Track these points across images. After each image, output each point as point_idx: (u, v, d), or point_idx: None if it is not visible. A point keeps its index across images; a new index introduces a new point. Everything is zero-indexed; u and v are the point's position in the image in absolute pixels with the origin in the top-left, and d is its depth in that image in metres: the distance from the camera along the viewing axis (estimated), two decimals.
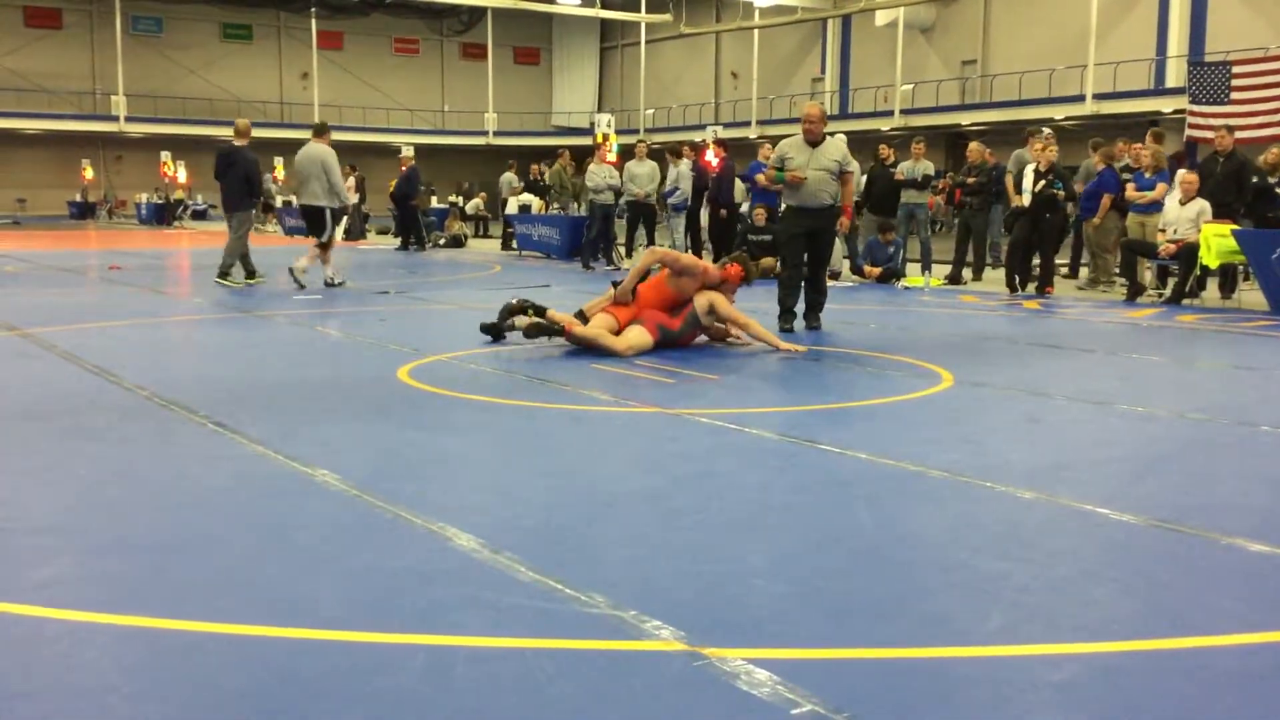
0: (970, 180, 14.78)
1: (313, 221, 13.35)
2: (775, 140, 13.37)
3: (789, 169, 9.38)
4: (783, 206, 10.26)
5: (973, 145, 15.02)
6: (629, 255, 18.33)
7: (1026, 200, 12.80)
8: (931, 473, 4.64)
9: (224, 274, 13.29)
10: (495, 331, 8.37)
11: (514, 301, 8.45)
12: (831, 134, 13.51)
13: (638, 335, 7.82)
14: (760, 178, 14.96)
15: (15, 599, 3.17)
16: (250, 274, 13.51)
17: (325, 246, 13.37)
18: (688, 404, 6.16)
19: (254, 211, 13.84)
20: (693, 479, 4.61)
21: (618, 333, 7.86)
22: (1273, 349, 8.99)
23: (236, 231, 13.37)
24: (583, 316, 8.06)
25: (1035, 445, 5.39)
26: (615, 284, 8.24)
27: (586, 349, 7.87)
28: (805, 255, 9.54)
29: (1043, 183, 12.67)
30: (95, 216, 42.90)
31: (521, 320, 8.16)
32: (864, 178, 15.39)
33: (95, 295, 12.67)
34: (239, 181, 13.32)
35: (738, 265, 8.45)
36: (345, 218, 26.13)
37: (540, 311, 8.23)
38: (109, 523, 3.95)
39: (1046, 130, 14.78)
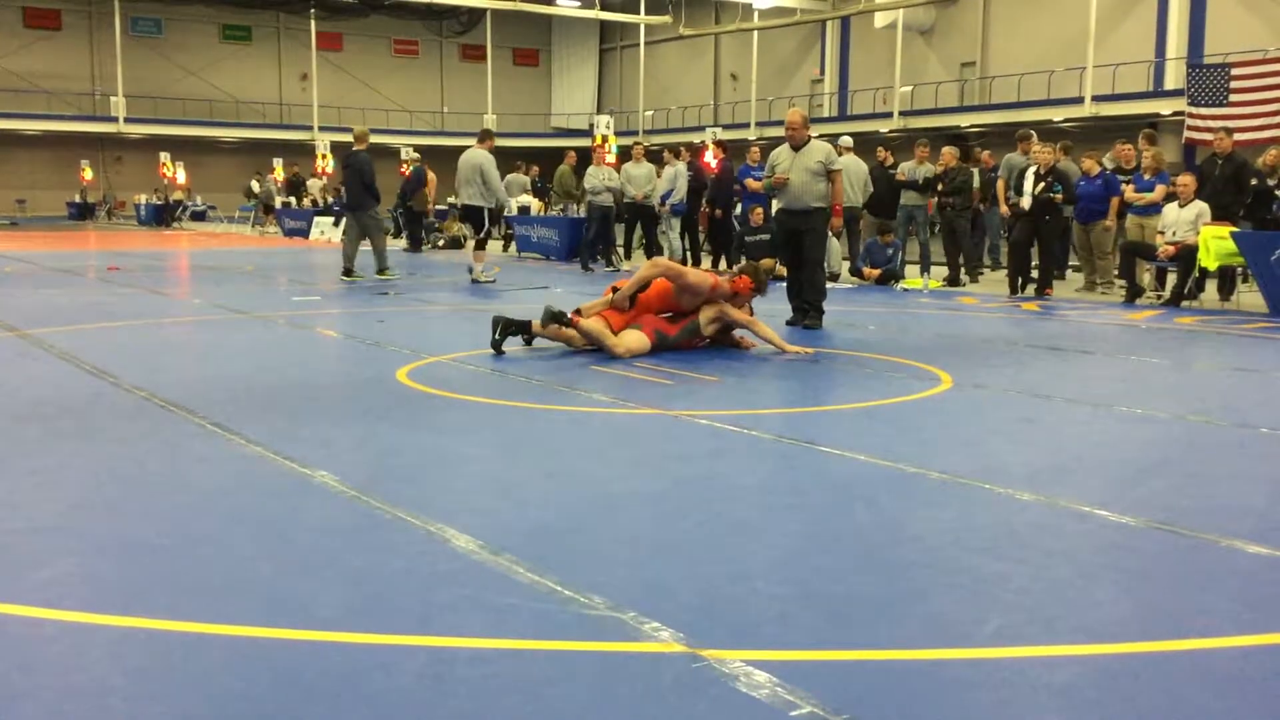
0: (944, 184, 14.73)
1: (473, 220, 14.50)
2: (772, 142, 13.42)
3: (776, 174, 9.74)
4: (774, 209, 10.46)
5: (946, 150, 15.00)
6: (627, 257, 18.34)
7: (1026, 203, 12.81)
8: (931, 474, 4.65)
9: (381, 269, 14.60)
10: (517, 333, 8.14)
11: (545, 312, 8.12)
12: (835, 136, 13.60)
13: (636, 339, 7.82)
14: (750, 183, 15.01)
15: (15, 599, 3.17)
16: (347, 272, 14.43)
17: (480, 244, 14.41)
18: (687, 405, 6.16)
19: (374, 211, 15.04)
20: (692, 480, 4.61)
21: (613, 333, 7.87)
22: (1271, 351, 8.99)
23: (371, 231, 14.73)
24: (564, 315, 8.01)
25: (1034, 447, 5.39)
26: (615, 288, 8.20)
27: (583, 347, 7.87)
28: (796, 255, 9.81)
29: (1042, 185, 12.69)
30: (94, 217, 42.90)
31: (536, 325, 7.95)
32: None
33: (94, 296, 12.66)
34: (357, 183, 14.53)
35: (746, 277, 8.36)
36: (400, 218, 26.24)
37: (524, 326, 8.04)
38: (108, 524, 3.95)
39: (1032, 135, 14.78)
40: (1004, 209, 13.86)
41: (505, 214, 21.35)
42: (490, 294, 13.04)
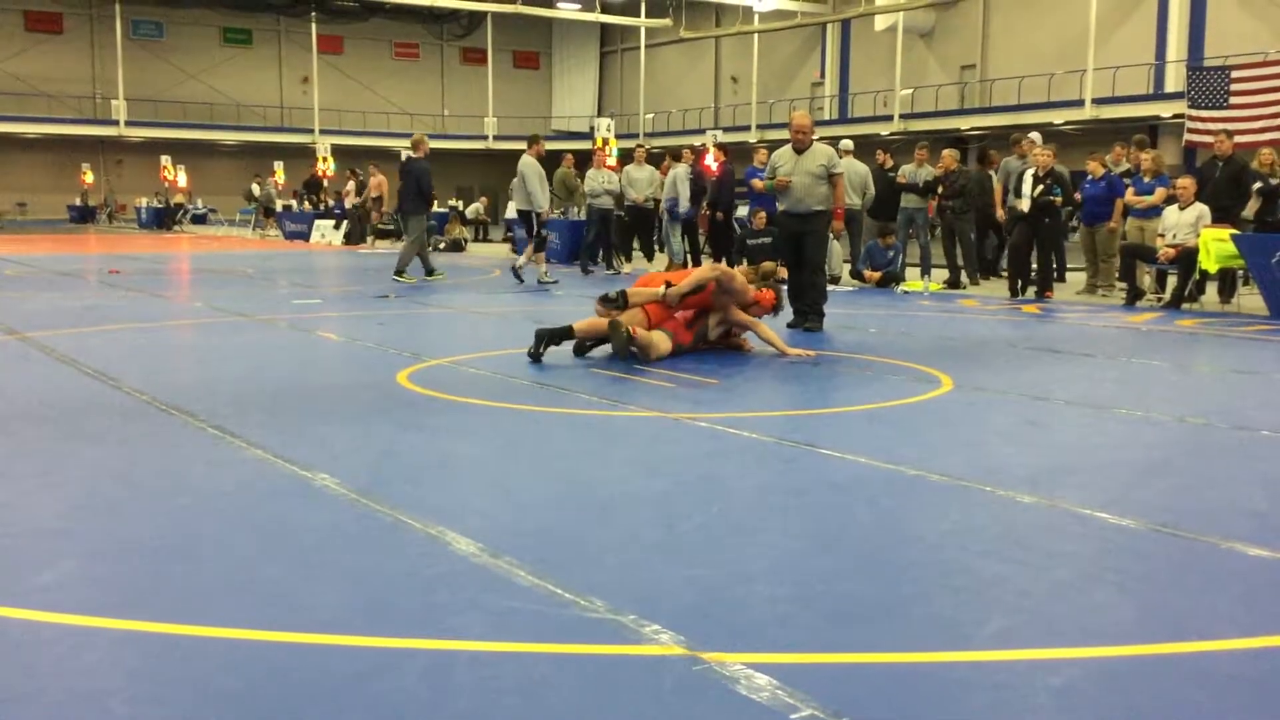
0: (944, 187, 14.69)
1: (527, 224, 15.30)
2: (774, 144, 13.43)
3: (778, 176, 9.78)
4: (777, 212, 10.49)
5: (946, 152, 15.00)
6: (628, 260, 18.34)
7: (1026, 205, 12.82)
8: (931, 476, 4.65)
9: (400, 271, 14.98)
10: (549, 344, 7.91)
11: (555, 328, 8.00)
12: (836, 139, 13.61)
13: (666, 347, 7.82)
14: (756, 183, 15.02)
15: (15, 602, 3.17)
16: (430, 272, 15.28)
17: (538, 248, 15.15)
18: (687, 408, 6.16)
19: (425, 216, 15.80)
20: (692, 483, 4.61)
21: (646, 328, 7.84)
22: (1271, 353, 8.99)
23: (412, 235, 15.39)
24: (624, 297, 7.88)
25: (1035, 449, 5.39)
26: (669, 283, 8.06)
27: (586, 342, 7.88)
28: (797, 258, 9.87)
29: (1041, 187, 12.69)
30: (95, 220, 42.93)
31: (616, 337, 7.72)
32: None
33: (95, 299, 12.67)
34: (412, 189, 15.23)
35: (772, 293, 8.49)
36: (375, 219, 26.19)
37: (568, 331, 7.88)
38: (109, 526, 3.96)
39: (1032, 135, 14.77)
40: (1000, 213, 13.84)
41: (503, 217, 21.50)
42: (492, 297, 13.05)
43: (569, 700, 2.58)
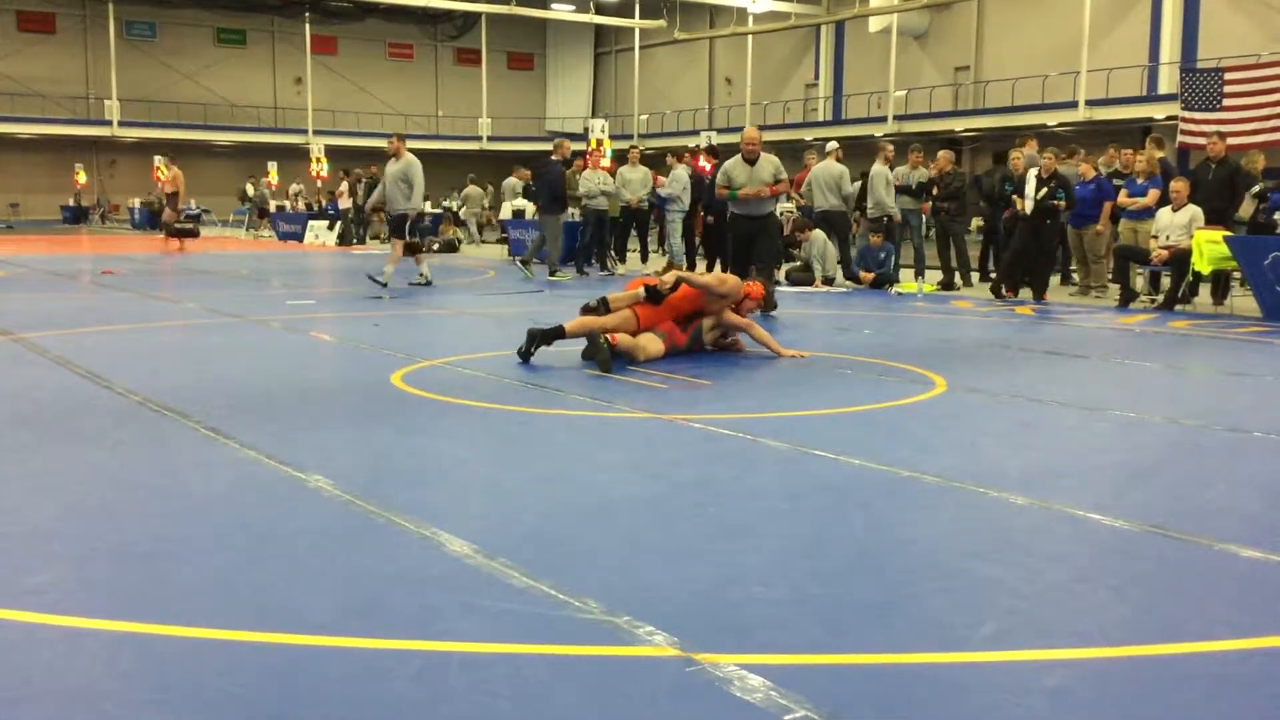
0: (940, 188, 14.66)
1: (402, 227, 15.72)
2: (772, 148, 13.47)
3: (736, 185, 10.90)
4: (729, 214, 11.65)
5: (942, 153, 14.99)
6: (622, 261, 18.34)
7: (1029, 206, 12.83)
8: (925, 478, 4.65)
9: (553, 271, 15.88)
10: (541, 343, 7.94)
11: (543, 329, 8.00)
12: (825, 141, 13.62)
13: (657, 349, 7.83)
14: (719, 190, 15.07)
15: (10, 604, 3.17)
16: (552, 272, 15.90)
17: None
18: (681, 409, 6.16)
19: (559, 218, 16.42)
20: (686, 484, 4.61)
21: (635, 330, 7.85)
22: (1264, 355, 9.01)
23: (550, 235, 16.10)
24: (605, 304, 7.94)
25: (1028, 451, 5.40)
26: (647, 285, 8.09)
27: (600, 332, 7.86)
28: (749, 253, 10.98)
29: (1045, 190, 12.69)
30: (88, 221, 42.81)
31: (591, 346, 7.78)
32: (857, 184, 15.38)
33: (88, 300, 12.65)
34: (546, 190, 16.02)
35: (761, 287, 8.82)
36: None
37: (560, 331, 7.89)
38: (103, 528, 3.95)
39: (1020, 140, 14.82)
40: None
41: (500, 217, 21.51)
42: (485, 298, 13.04)
43: (563, 702, 2.58)
